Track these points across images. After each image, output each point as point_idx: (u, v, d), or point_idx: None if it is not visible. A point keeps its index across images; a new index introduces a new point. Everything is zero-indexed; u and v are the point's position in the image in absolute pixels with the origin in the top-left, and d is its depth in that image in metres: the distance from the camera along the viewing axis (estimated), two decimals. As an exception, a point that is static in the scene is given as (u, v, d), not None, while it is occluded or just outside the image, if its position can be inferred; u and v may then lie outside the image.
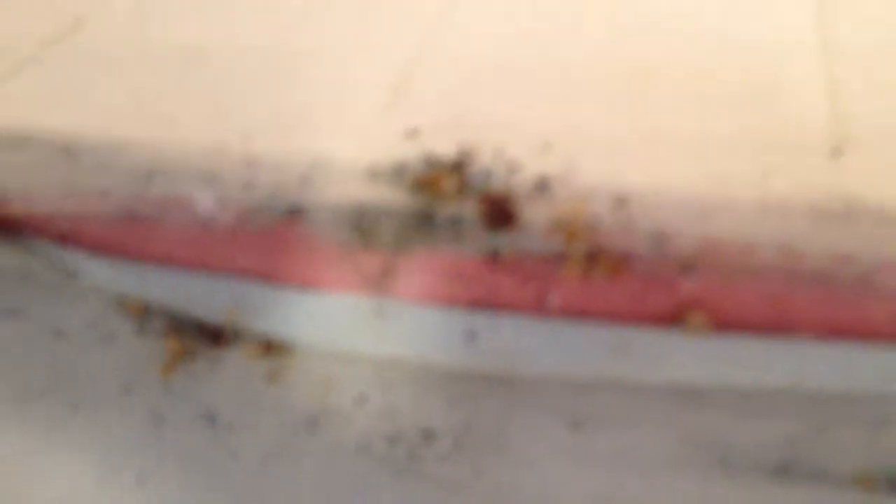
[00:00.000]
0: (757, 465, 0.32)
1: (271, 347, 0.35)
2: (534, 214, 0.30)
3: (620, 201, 0.29)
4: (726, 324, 0.30)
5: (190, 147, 0.33)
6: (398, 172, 0.31)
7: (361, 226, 0.32)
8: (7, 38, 0.39)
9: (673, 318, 0.30)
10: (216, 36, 0.38)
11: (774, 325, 0.30)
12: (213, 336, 0.36)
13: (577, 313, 0.31)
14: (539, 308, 0.31)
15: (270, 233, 0.32)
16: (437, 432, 0.34)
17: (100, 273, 0.34)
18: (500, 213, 0.30)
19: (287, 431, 0.35)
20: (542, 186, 0.30)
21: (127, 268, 0.34)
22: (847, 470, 0.31)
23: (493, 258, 0.31)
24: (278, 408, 0.35)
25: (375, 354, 0.33)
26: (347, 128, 0.33)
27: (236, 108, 0.34)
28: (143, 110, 0.34)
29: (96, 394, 0.37)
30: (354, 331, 0.33)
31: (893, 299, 0.28)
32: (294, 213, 0.32)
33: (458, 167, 0.31)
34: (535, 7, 0.39)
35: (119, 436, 0.37)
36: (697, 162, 0.30)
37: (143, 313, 0.36)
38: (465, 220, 0.30)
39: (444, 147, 0.31)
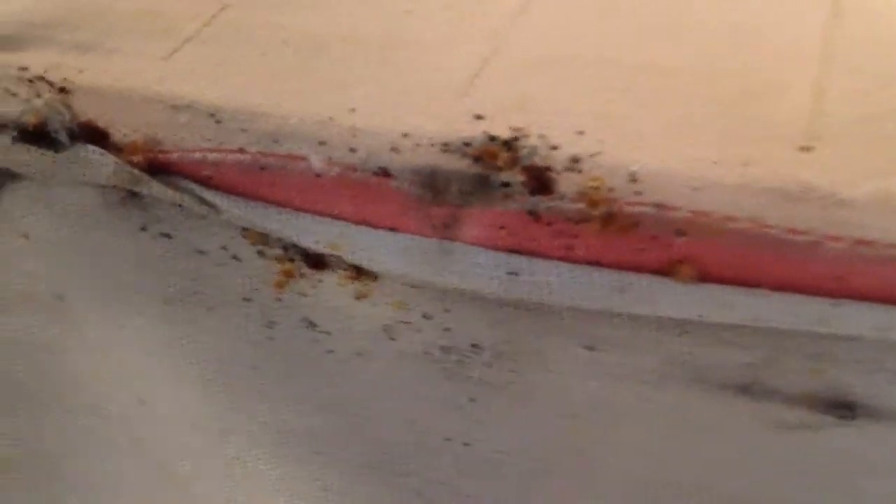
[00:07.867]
0: (724, 384, 0.41)
1: (360, 273, 0.44)
2: (566, 185, 0.38)
3: (632, 178, 0.38)
4: (706, 275, 0.39)
5: (307, 117, 0.41)
6: (465, 146, 0.41)
7: (434, 185, 0.41)
8: (173, 18, 0.47)
9: (667, 269, 0.39)
10: (334, 27, 0.46)
11: (742, 278, 0.39)
12: (316, 262, 0.45)
13: (594, 261, 0.40)
14: (566, 255, 0.40)
15: (364, 187, 0.42)
16: (482, 345, 0.44)
17: (233, 209, 0.44)
18: (540, 182, 0.39)
19: (370, 337, 0.45)
20: (574, 164, 0.39)
21: (254, 206, 0.44)
22: (795, 392, 0.40)
23: (534, 216, 0.39)
24: (364, 319, 0.45)
25: (439, 283, 0.42)
26: (429, 110, 0.41)
27: (344, 87, 0.42)
28: (273, 86, 0.43)
29: (225, 300, 0.47)
30: (424, 265, 0.42)
31: (834, 263, 0.37)
32: (383, 173, 0.41)
33: (511, 145, 0.40)
34: (583, 18, 0.47)
35: (240, 333, 0.48)
36: (693, 149, 0.38)
37: (263, 241, 0.46)
38: (514, 186, 0.39)
39: (501, 129, 0.39)
